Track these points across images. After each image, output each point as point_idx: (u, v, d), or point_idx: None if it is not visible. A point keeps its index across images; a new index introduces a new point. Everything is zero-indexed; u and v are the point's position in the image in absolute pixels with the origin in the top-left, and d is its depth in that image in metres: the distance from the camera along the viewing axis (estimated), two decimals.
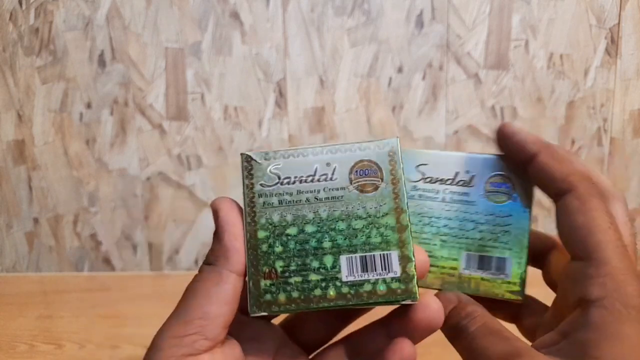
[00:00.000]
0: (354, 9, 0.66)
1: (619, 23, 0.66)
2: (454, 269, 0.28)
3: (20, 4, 0.67)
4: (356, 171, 0.26)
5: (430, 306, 0.25)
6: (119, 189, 0.72)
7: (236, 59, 0.68)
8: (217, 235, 0.26)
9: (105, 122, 0.70)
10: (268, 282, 0.25)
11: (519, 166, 0.27)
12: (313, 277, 0.25)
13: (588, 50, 0.67)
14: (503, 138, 0.27)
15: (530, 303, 0.29)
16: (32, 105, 0.70)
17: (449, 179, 0.28)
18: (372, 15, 0.66)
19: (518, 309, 0.29)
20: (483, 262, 0.28)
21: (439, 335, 0.27)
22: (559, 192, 0.24)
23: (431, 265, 0.28)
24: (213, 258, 0.25)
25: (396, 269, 0.25)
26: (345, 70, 0.68)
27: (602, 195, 0.24)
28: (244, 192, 0.27)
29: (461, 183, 0.28)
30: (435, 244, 0.28)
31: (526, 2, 0.65)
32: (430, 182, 0.28)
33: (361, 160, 0.26)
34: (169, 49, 0.68)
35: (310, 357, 0.28)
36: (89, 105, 0.69)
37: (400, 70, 0.68)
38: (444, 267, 0.28)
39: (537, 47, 0.67)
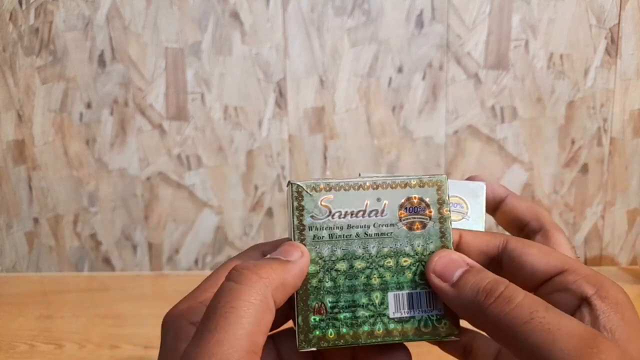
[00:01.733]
0: (354, 9, 0.66)
1: (619, 23, 0.66)
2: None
3: (20, 4, 0.67)
4: (406, 208, 0.26)
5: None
6: (119, 189, 0.72)
7: (236, 59, 0.68)
8: (287, 268, 0.24)
9: (105, 122, 0.70)
10: (317, 317, 0.25)
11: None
12: (362, 313, 0.25)
13: (588, 50, 0.67)
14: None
15: (477, 334, 0.29)
16: (32, 105, 0.70)
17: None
18: (372, 15, 0.66)
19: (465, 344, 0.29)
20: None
21: None
22: (499, 248, 0.26)
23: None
24: (275, 282, 0.23)
25: (440, 306, 0.25)
26: (345, 70, 0.68)
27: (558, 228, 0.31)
28: (292, 224, 0.25)
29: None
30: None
31: (526, 2, 0.65)
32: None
33: (410, 198, 0.26)
34: (169, 49, 0.68)
35: None
36: (89, 105, 0.69)
37: (400, 70, 0.68)
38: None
39: (537, 47, 0.67)
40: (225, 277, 0.23)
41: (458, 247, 0.26)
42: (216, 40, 0.67)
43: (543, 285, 0.24)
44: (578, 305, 0.23)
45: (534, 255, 0.25)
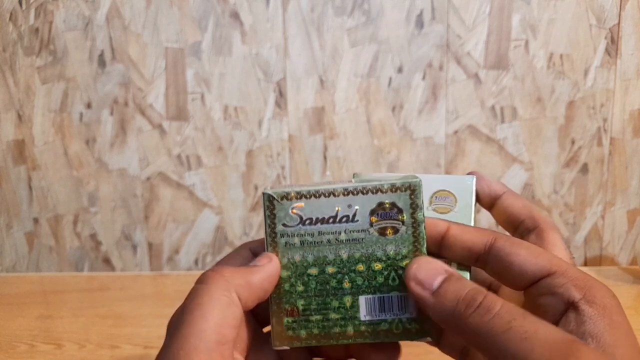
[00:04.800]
0: (354, 9, 0.66)
1: (619, 23, 0.66)
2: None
3: (20, 4, 0.67)
4: (377, 214, 0.26)
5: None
6: (119, 189, 0.72)
7: (236, 59, 0.68)
8: (252, 270, 0.25)
9: (105, 122, 0.70)
10: (290, 319, 0.26)
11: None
12: (333, 315, 0.26)
13: (588, 50, 0.67)
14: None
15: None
16: (32, 105, 0.70)
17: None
18: (372, 15, 0.66)
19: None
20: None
21: None
22: (484, 249, 0.26)
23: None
24: (237, 280, 0.24)
25: (412, 310, 0.26)
26: (345, 70, 0.68)
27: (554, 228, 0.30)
28: (266, 231, 0.26)
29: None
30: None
31: (526, 2, 0.65)
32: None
33: (382, 203, 0.26)
34: (169, 49, 0.68)
35: None
36: (89, 105, 0.69)
37: (400, 70, 0.68)
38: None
39: (537, 47, 0.67)
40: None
41: (444, 239, 0.26)
42: (216, 40, 0.67)
43: (531, 287, 0.24)
44: (565, 310, 0.23)
45: (521, 256, 0.25)
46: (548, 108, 0.68)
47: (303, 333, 0.26)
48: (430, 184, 0.29)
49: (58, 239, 0.74)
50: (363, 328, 0.26)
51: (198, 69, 0.68)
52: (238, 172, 0.71)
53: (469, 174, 0.32)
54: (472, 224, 0.29)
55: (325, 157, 0.70)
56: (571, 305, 0.23)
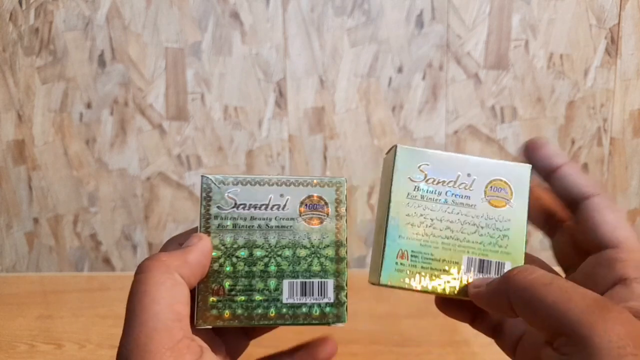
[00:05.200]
0: (354, 9, 0.66)
1: (619, 23, 0.66)
2: (456, 272, 0.28)
3: (20, 4, 0.67)
4: (306, 205, 0.28)
5: (328, 346, 0.30)
6: (119, 189, 0.72)
7: (236, 59, 0.68)
8: (185, 251, 0.27)
9: (105, 122, 0.70)
10: (215, 298, 0.27)
11: (521, 174, 0.29)
12: (257, 297, 0.28)
13: (588, 50, 0.67)
14: (532, 149, 0.30)
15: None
16: (32, 105, 0.70)
17: (451, 181, 0.28)
18: (372, 15, 0.66)
19: (498, 321, 0.30)
20: (483, 267, 0.28)
21: (440, 336, 0.27)
22: (584, 195, 0.27)
23: (432, 269, 0.28)
24: (175, 262, 0.26)
25: (330, 295, 0.28)
26: (345, 70, 0.68)
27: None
28: (200, 213, 0.28)
29: (462, 186, 0.28)
30: (437, 247, 0.28)
31: (526, 2, 0.65)
32: (433, 183, 0.28)
33: (311, 196, 0.28)
34: (169, 49, 0.68)
35: None
36: (89, 105, 0.69)
37: (400, 70, 0.68)
38: (444, 270, 0.28)
39: (537, 47, 0.67)
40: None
41: (556, 172, 0.28)
42: (216, 40, 0.67)
43: (593, 255, 0.25)
44: (613, 284, 0.24)
45: (607, 220, 0.26)
46: (548, 108, 0.68)
47: (227, 313, 0.27)
48: (484, 170, 0.28)
49: (58, 239, 0.74)
50: (284, 310, 0.28)
51: (198, 69, 0.68)
52: (238, 172, 0.71)
53: (530, 143, 0.30)
54: (526, 219, 0.29)
55: (325, 157, 0.70)
56: (622, 282, 0.24)
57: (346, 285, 0.28)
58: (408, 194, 0.28)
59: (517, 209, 0.28)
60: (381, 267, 0.27)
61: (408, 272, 0.27)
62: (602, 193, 0.27)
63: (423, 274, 0.28)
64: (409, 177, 0.28)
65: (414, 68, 0.67)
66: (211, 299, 0.27)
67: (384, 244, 0.27)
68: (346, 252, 0.28)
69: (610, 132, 0.69)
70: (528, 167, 0.28)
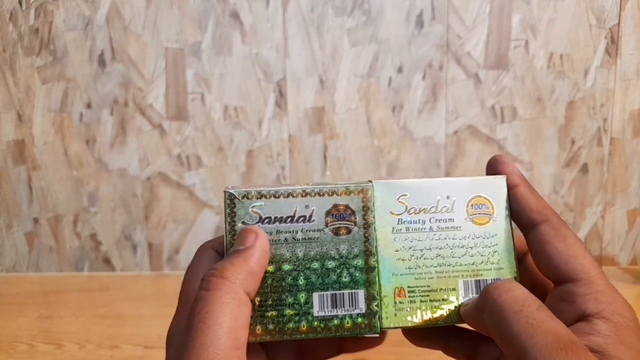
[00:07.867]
0: (354, 9, 0.66)
1: (619, 23, 0.66)
2: (454, 299, 0.27)
3: (20, 4, 0.67)
4: (332, 214, 0.28)
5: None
6: (119, 189, 0.72)
7: (236, 59, 0.68)
8: (247, 256, 0.26)
9: (105, 122, 0.70)
10: None
11: (498, 186, 0.28)
12: (287, 311, 0.27)
13: (588, 50, 0.67)
14: (492, 166, 0.29)
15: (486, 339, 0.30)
16: (32, 105, 0.70)
17: (432, 207, 0.28)
18: (372, 15, 0.66)
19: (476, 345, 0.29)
20: (479, 287, 0.27)
21: None
22: (532, 223, 0.27)
23: (431, 300, 0.27)
24: (240, 276, 0.25)
25: (362, 305, 0.27)
26: (345, 70, 0.68)
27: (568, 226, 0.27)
28: (225, 229, 0.27)
29: (444, 209, 0.28)
30: (431, 277, 0.28)
31: (526, 2, 0.65)
32: (415, 212, 0.28)
33: (337, 205, 0.28)
34: (169, 49, 0.68)
35: None
36: (89, 105, 0.69)
37: (400, 70, 0.68)
38: (444, 300, 0.27)
39: (537, 47, 0.67)
40: (198, 287, 0.24)
41: (513, 190, 0.28)
42: (216, 40, 0.67)
43: (555, 287, 0.25)
44: (576, 320, 0.23)
45: (557, 251, 0.25)
46: (548, 108, 0.68)
47: (259, 328, 0.27)
48: (461, 189, 0.28)
49: (58, 239, 0.74)
50: (316, 324, 0.27)
51: (198, 69, 0.68)
52: (238, 172, 0.71)
53: (493, 159, 0.30)
54: (512, 230, 0.29)
55: (325, 157, 0.70)
56: (584, 318, 0.23)
57: (377, 295, 0.27)
58: (393, 229, 0.28)
59: (500, 222, 0.28)
60: (381, 310, 0.27)
61: (408, 309, 0.27)
62: (550, 218, 0.26)
63: (423, 307, 0.27)
64: (390, 211, 0.28)
65: (414, 68, 0.67)
66: None
67: (379, 285, 0.27)
68: (376, 261, 0.27)
69: (610, 132, 0.69)
70: (503, 177, 0.28)
